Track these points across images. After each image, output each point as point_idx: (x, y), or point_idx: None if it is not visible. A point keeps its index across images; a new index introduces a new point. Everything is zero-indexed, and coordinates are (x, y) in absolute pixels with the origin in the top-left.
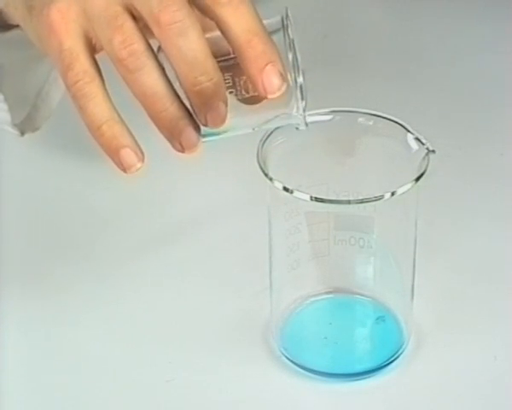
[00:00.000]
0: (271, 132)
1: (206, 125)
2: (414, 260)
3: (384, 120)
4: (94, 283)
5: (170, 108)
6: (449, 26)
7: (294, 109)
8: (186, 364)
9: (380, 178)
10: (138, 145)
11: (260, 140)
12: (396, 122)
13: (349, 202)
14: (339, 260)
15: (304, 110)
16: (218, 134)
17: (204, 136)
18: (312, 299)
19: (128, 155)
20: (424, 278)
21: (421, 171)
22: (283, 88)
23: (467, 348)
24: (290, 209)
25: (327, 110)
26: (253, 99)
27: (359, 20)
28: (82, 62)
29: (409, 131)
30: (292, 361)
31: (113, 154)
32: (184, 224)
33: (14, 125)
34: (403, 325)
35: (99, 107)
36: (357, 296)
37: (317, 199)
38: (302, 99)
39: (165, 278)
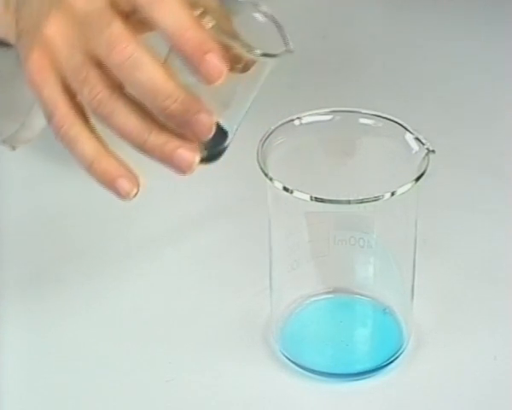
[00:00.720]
0: (271, 132)
1: (199, 140)
2: (414, 260)
3: (384, 120)
4: (94, 283)
5: (149, 139)
6: (449, 26)
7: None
8: (186, 364)
9: (380, 178)
10: (131, 171)
11: (260, 140)
12: (396, 122)
13: (349, 202)
14: (339, 260)
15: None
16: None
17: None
18: (312, 299)
19: (122, 185)
20: (424, 278)
21: (421, 171)
22: (225, 72)
23: (467, 348)
24: (290, 209)
25: (327, 110)
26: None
27: (359, 20)
28: (61, 108)
29: (409, 131)
30: (292, 361)
31: (109, 187)
32: (184, 224)
33: (3, 141)
34: (403, 324)
35: (85, 146)
36: (357, 296)
37: (317, 199)
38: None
39: (166, 277)
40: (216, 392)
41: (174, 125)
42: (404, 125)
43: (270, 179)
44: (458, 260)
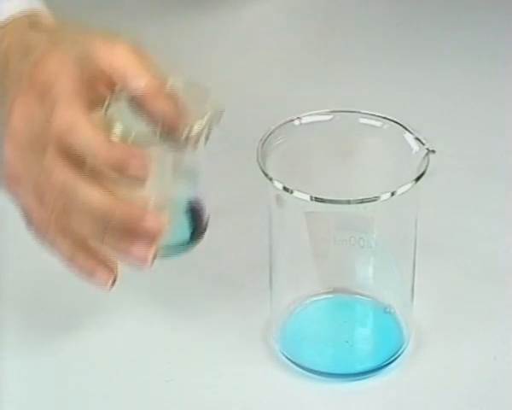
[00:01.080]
0: (271, 132)
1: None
2: (414, 260)
3: (384, 120)
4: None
5: (105, 238)
6: (449, 25)
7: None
8: (186, 364)
9: (380, 178)
10: (107, 261)
11: (260, 140)
12: (396, 122)
13: (349, 202)
14: (339, 260)
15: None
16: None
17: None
18: (312, 299)
19: (99, 277)
20: (424, 278)
21: (421, 171)
22: (148, 166)
23: (467, 348)
24: (290, 209)
25: (327, 110)
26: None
27: (359, 20)
28: (37, 215)
29: (409, 131)
30: (292, 361)
31: (88, 281)
32: None
33: None
34: (403, 324)
35: (62, 247)
36: (357, 296)
37: (317, 199)
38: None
39: (166, 277)
40: (216, 392)
41: (124, 235)
42: (404, 125)
43: (270, 179)
44: (458, 260)
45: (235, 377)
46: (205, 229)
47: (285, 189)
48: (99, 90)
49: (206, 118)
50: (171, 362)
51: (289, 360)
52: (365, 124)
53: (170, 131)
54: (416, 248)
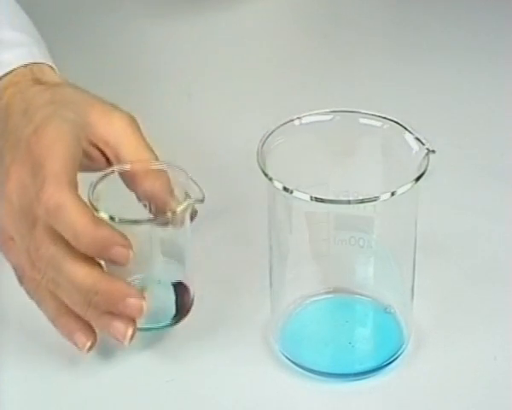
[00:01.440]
0: (271, 132)
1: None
2: (414, 260)
3: (384, 119)
4: None
5: (88, 311)
6: (449, 26)
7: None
8: (186, 364)
9: (380, 178)
10: (87, 326)
11: (260, 140)
12: (396, 122)
13: (349, 202)
14: (339, 260)
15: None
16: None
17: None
18: (312, 299)
19: (79, 339)
20: (424, 278)
21: (421, 171)
22: (131, 255)
23: (467, 348)
24: (290, 209)
25: (327, 110)
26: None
27: (359, 20)
28: (28, 273)
29: (409, 131)
30: (292, 361)
31: (68, 340)
32: None
33: None
34: (403, 324)
35: (48, 306)
36: (357, 296)
37: (317, 199)
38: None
39: None
40: (216, 392)
41: (105, 311)
42: (404, 125)
43: (270, 179)
44: (458, 260)
45: (235, 377)
46: (188, 310)
47: (285, 189)
48: (93, 155)
49: (188, 201)
50: (171, 362)
51: (289, 360)
52: (365, 124)
53: (157, 209)
54: (416, 248)
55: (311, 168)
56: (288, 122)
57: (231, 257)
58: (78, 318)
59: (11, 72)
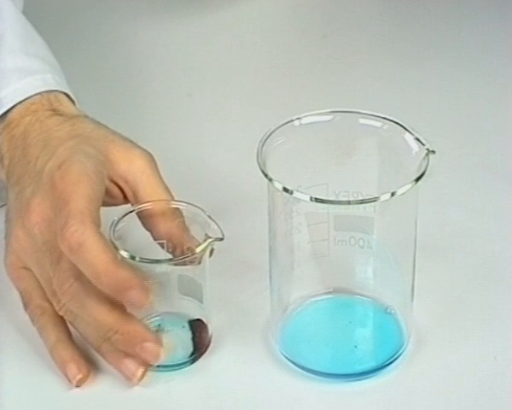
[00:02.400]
0: (271, 132)
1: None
2: (414, 260)
3: (384, 120)
4: None
5: (103, 345)
6: (449, 26)
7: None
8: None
9: (380, 178)
10: (81, 358)
11: (260, 140)
12: (396, 122)
13: (349, 202)
14: (339, 261)
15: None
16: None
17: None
18: (312, 299)
19: (68, 371)
20: (424, 278)
21: (421, 171)
22: (148, 297)
23: (467, 348)
24: (290, 209)
25: (327, 110)
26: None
27: (359, 20)
28: (34, 300)
29: (409, 131)
30: (292, 361)
31: (61, 370)
32: None
33: None
34: (403, 325)
35: (49, 334)
36: (357, 296)
37: (316, 200)
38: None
39: None
40: (216, 392)
41: (121, 349)
42: (404, 125)
43: (270, 180)
44: (458, 260)
45: (235, 376)
46: (206, 348)
47: (285, 189)
48: (113, 193)
49: (208, 241)
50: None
51: (289, 360)
52: (365, 124)
53: (174, 248)
54: (416, 248)
55: (311, 168)
56: (288, 122)
57: (231, 257)
58: (75, 350)
59: (26, 99)
